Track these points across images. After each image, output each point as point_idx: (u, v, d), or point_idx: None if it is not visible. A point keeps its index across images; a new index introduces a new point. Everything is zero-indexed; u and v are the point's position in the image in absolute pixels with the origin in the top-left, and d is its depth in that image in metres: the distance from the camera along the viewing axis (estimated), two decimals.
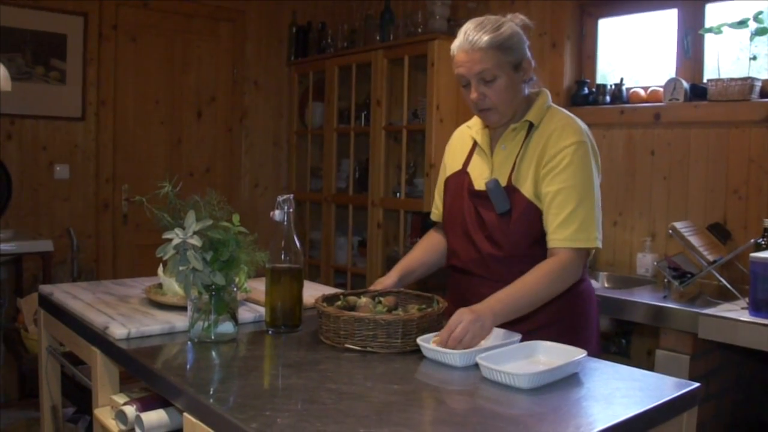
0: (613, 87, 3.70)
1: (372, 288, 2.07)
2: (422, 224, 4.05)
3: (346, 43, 4.93)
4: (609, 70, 3.92)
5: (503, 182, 2.00)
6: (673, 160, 3.42)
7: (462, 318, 1.72)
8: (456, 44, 1.97)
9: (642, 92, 3.60)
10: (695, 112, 3.29)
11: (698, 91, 3.32)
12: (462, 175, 2.13)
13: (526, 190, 1.97)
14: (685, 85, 3.34)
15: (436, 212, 2.30)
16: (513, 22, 1.98)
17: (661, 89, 3.45)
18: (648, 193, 3.52)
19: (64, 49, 4.42)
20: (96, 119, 4.58)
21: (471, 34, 1.93)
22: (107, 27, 4.59)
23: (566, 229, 1.90)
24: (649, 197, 3.52)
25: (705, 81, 3.36)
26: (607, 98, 3.71)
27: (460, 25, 2.01)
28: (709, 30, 3.20)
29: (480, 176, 2.07)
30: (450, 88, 4.08)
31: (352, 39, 4.91)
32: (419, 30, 4.30)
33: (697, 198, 3.33)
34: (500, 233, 1.99)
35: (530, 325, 1.90)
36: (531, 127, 2.02)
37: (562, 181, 1.92)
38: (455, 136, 2.28)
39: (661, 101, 3.45)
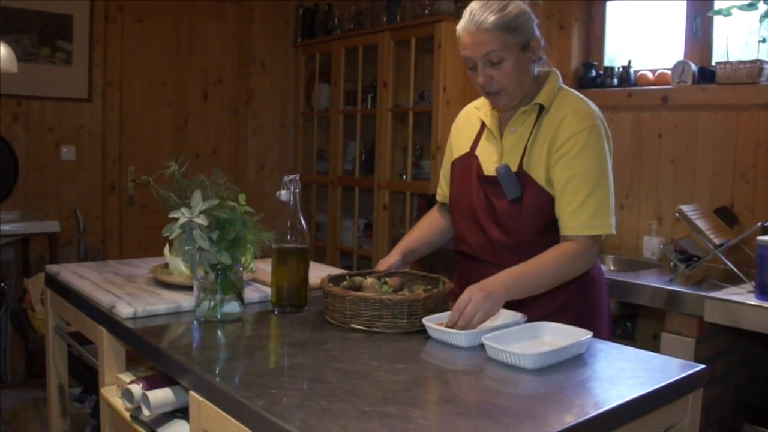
0: (621, 69, 3.68)
1: (376, 268, 2.06)
2: (428, 206, 4.04)
3: (353, 24, 4.92)
4: (617, 52, 3.90)
5: (514, 167, 1.95)
6: (680, 143, 3.40)
7: (471, 296, 1.70)
8: (461, 25, 1.91)
9: (650, 75, 3.58)
10: (703, 95, 3.27)
11: (706, 74, 3.29)
12: (470, 158, 2.08)
13: (538, 176, 1.92)
14: (694, 67, 3.32)
15: (441, 193, 2.28)
16: (520, 0, 1.92)
17: (669, 72, 3.42)
18: (655, 177, 3.51)
19: (70, 31, 4.41)
20: (102, 100, 4.58)
21: (476, 15, 1.87)
22: (113, 8, 4.58)
23: (581, 216, 1.86)
24: (656, 180, 3.50)
25: (713, 64, 3.34)
26: (615, 81, 3.68)
27: (466, 7, 1.97)
28: (719, 12, 3.17)
29: (489, 160, 2.03)
30: (457, 70, 4.07)
31: (359, 21, 4.89)
32: (426, 12, 4.28)
33: (705, 181, 3.31)
34: (510, 220, 1.95)
35: (541, 311, 1.87)
36: (541, 110, 1.97)
37: (575, 168, 1.88)
38: (462, 116, 2.23)
39: (669, 84, 3.43)
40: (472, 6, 1.90)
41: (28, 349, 4.03)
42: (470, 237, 2.06)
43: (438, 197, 2.31)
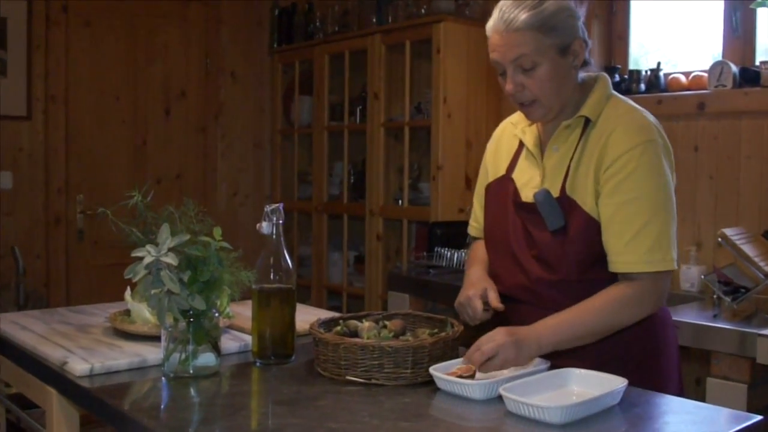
0: (649, 73, 3.71)
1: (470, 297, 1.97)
2: (429, 236, 4.05)
3: (338, 27, 4.95)
4: (642, 53, 3.93)
5: (555, 192, 1.92)
6: (720, 156, 3.42)
7: (495, 337, 1.70)
8: (490, 24, 1.89)
9: (683, 78, 3.61)
10: (746, 100, 3.30)
11: (749, 76, 3.32)
12: (505, 182, 2.06)
13: (585, 202, 1.89)
14: (734, 68, 3.35)
15: (476, 226, 2.23)
16: None
17: (706, 74, 3.46)
18: (692, 196, 3.53)
19: (5, 36, 4.43)
20: (44, 118, 4.59)
21: (506, 12, 1.85)
22: (56, 9, 4.61)
23: (636, 249, 1.82)
24: (693, 200, 3.53)
25: (757, 63, 3.37)
26: (642, 86, 3.71)
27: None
28: (762, 4, 3.20)
29: (528, 184, 2.00)
30: (459, 78, 4.10)
31: (345, 22, 4.92)
32: (422, 11, 4.30)
33: (750, 200, 3.33)
34: (553, 254, 1.91)
35: (586, 362, 1.78)
36: (587, 123, 1.94)
37: (627, 192, 1.84)
38: (497, 134, 2.20)
39: (705, 88, 3.46)
40: (503, 2, 1.89)
41: None
42: (505, 274, 2.03)
43: (471, 230, 2.27)
